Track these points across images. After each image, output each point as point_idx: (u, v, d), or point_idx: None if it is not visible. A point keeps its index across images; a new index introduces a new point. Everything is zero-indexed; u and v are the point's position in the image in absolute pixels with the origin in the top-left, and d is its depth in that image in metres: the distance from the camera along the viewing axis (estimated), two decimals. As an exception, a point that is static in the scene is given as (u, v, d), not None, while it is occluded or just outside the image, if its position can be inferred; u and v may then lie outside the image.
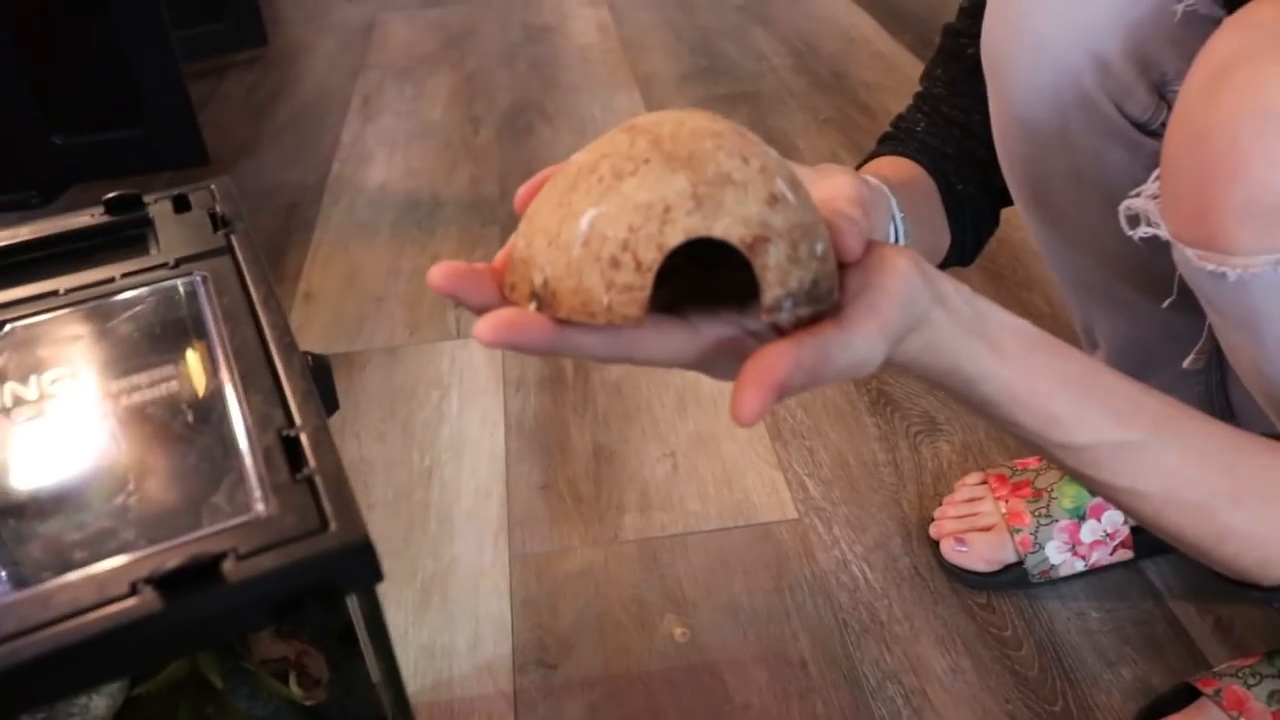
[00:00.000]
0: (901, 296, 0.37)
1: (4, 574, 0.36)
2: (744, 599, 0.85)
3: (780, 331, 0.35)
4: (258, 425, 0.38)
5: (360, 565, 0.34)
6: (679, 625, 0.83)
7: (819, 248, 0.35)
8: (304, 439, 0.37)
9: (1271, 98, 0.43)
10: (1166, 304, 0.62)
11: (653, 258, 0.32)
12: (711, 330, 0.37)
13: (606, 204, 0.33)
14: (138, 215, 0.53)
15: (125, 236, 0.53)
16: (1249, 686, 0.70)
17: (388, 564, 0.90)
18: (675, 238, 0.32)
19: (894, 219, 0.59)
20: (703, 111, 0.37)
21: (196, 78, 1.90)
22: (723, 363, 0.37)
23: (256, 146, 1.69)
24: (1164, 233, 0.51)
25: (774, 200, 0.33)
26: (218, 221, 0.52)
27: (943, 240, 0.67)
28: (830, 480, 0.96)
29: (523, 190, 0.38)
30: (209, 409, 0.40)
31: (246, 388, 0.41)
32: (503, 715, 0.77)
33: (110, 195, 0.53)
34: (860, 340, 0.35)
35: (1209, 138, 0.46)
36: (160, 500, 0.37)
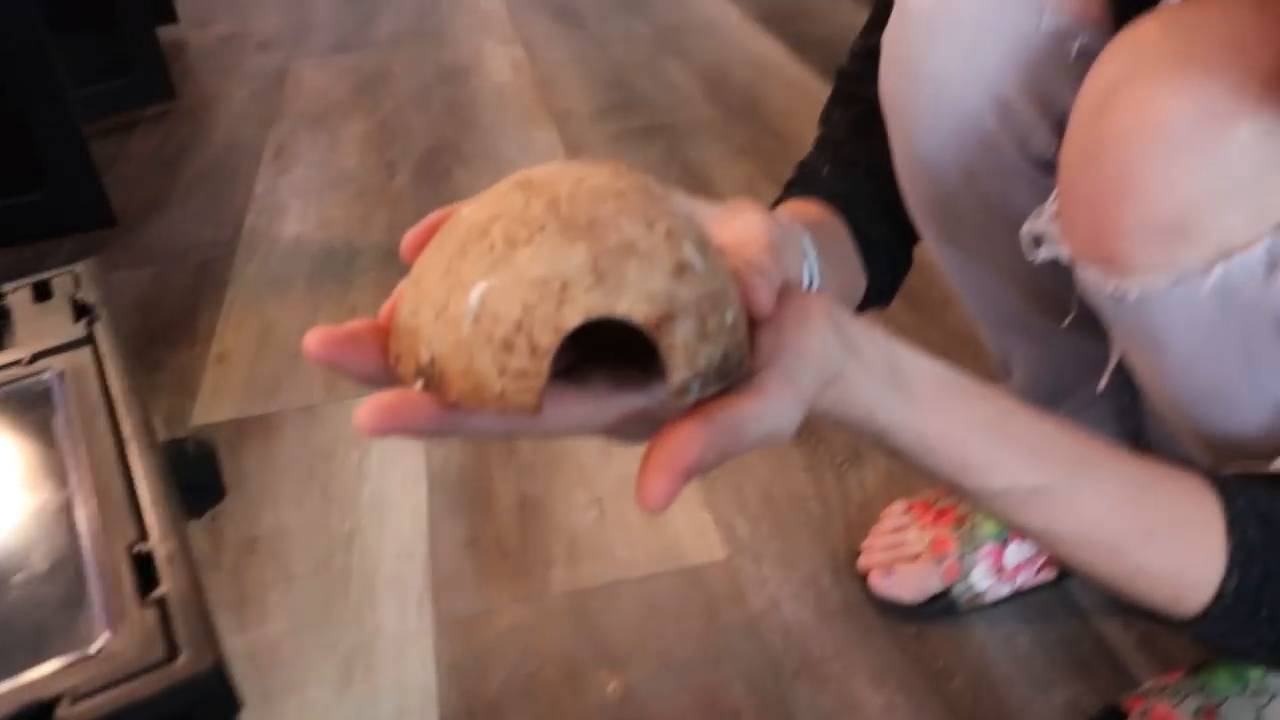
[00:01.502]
0: (815, 357, 0.36)
1: None
2: (676, 647, 0.83)
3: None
4: (106, 541, 0.35)
5: (214, 697, 0.31)
6: (611, 680, 0.81)
7: (729, 316, 0.33)
8: (157, 555, 0.35)
9: (1158, 115, 0.43)
10: (1067, 321, 0.62)
11: (549, 342, 0.29)
12: (617, 402, 0.34)
13: (498, 277, 0.30)
14: (-9, 309, 0.50)
15: (-24, 330, 0.49)
16: (1174, 705, 0.70)
17: (307, 640, 0.87)
18: (574, 319, 0.29)
19: (806, 257, 0.57)
20: (604, 164, 0.34)
21: (102, 135, 1.85)
22: (631, 430, 0.35)
23: (166, 204, 1.64)
24: (1063, 253, 0.50)
25: (681, 270, 0.31)
26: (80, 310, 0.49)
27: (859, 282, 0.66)
28: (758, 517, 0.95)
29: (410, 237, 0.36)
30: (55, 525, 0.37)
31: (99, 498, 0.38)
32: (432, 790, 0.74)
33: (-39, 289, 0.49)
34: (773, 411, 0.34)
35: (1101, 158, 0.46)
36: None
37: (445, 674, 0.82)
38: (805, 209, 0.67)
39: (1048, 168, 0.63)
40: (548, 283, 0.29)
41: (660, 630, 0.85)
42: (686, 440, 0.31)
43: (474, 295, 0.30)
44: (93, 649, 0.32)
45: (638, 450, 1.02)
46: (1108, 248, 0.47)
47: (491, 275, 0.30)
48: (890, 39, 0.64)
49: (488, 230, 0.31)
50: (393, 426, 0.30)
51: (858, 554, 0.88)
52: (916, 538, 0.86)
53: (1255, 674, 0.70)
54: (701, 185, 1.50)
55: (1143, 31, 0.46)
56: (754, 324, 0.35)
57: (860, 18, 0.73)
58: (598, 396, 0.34)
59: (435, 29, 2.35)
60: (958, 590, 0.83)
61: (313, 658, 0.85)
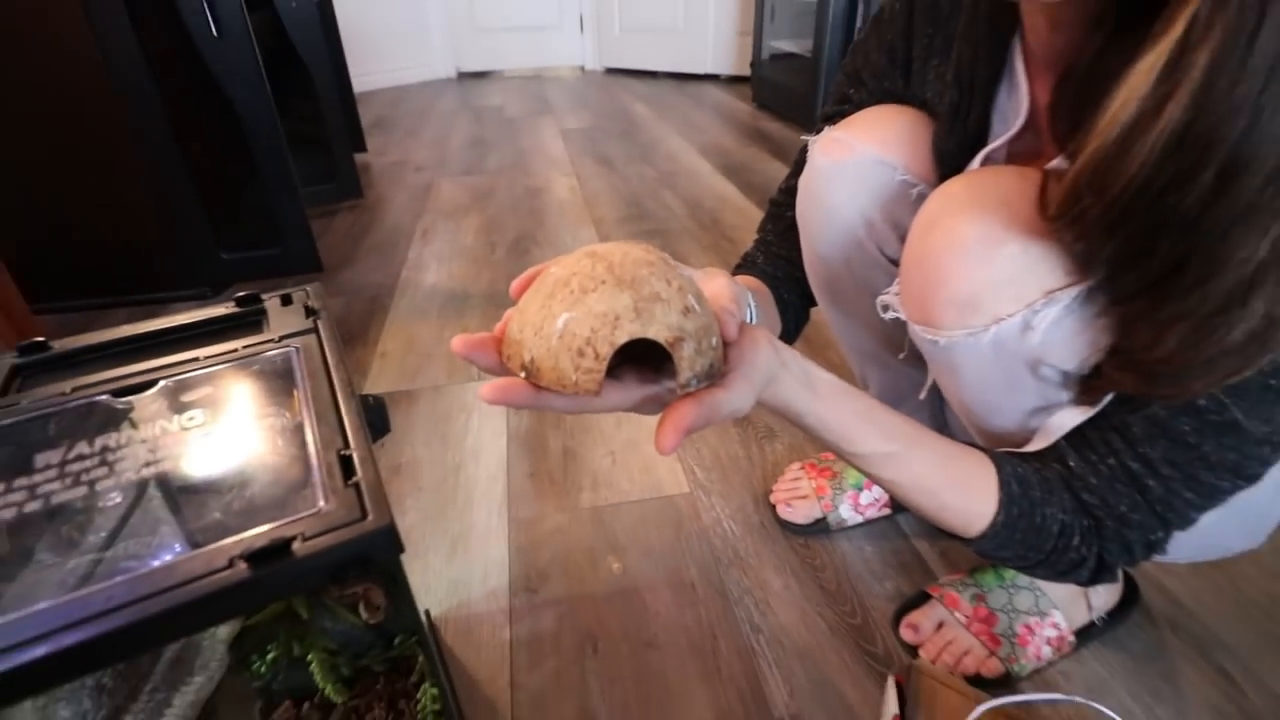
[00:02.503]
0: (761, 366, 0.37)
1: (147, 550, 0.32)
2: (656, 544, 0.83)
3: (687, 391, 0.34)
4: (324, 448, 0.36)
5: (387, 544, 0.31)
6: (616, 562, 0.80)
7: (714, 341, 0.34)
8: (355, 458, 0.35)
9: (958, 237, 0.44)
10: (901, 357, 0.62)
11: (606, 351, 0.30)
12: (641, 390, 0.36)
13: (576, 310, 0.31)
14: (256, 307, 0.50)
15: (248, 321, 0.49)
16: (958, 591, 0.70)
17: (429, 526, 0.86)
18: (622, 337, 0.30)
19: (749, 307, 0.58)
20: (641, 245, 0.35)
21: (317, 217, 1.84)
22: (648, 408, 0.37)
23: (354, 261, 1.63)
24: (902, 315, 0.51)
25: (687, 311, 0.32)
26: (309, 311, 0.49)
27: (776, 328, 0.67)
28: (710, 467, 0.95)
29: (516, 282, 0.37)
30: (295, 437, 0.37)
31: (319, 422, 0.38)
32: (502, 624, 0.73)
33: (238, 294, 0.50)
34: (737, 398, 0.35)
35: (925, 260, 0.46)
36: (256, 499, 0.34)
37: (514, 553, 0.82)
38: (747, 281, 0.67)
39: (895, 263, 0.64)
40: (606, 315, 0.30)
41: (647, 534, 0.84)
42: (685, 412, 0.32)
43: (560, 321, 0.31)
44: (315, 510, 0.32)
45: (640, 420, 1.00)
46: (927, 314, 0.47)
47: (572, 309, 0.31)
48: (803, 182, 0.65)
49: (569, 282, 0.32)
50: (504, 400, 0.32)
51: (769, 493, 0.88)
52: (807, 485, 0.86)
53: (1010, 574, 0.69)
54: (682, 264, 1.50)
55: (952, 186, 0.47)
56: (725, 345, 0.36)
57: (782, 173, 0.74)
58: (629, 387, 0.35)
59: (523, 164, 2.36)
60: (831, 518, 0.82)
61: (432, 539, 0.84)
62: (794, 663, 0.69)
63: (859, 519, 0.83)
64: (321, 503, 0.32)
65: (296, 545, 0.30)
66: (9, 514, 0.32)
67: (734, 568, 0.79)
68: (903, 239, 0.62)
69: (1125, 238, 0.36)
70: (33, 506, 0.33)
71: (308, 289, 0.51)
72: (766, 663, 0.69)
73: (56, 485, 0.34)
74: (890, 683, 0.62)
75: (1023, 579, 0.69)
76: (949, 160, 0.56)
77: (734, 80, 3.49)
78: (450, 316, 1.37)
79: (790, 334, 0.70)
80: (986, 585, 0.69)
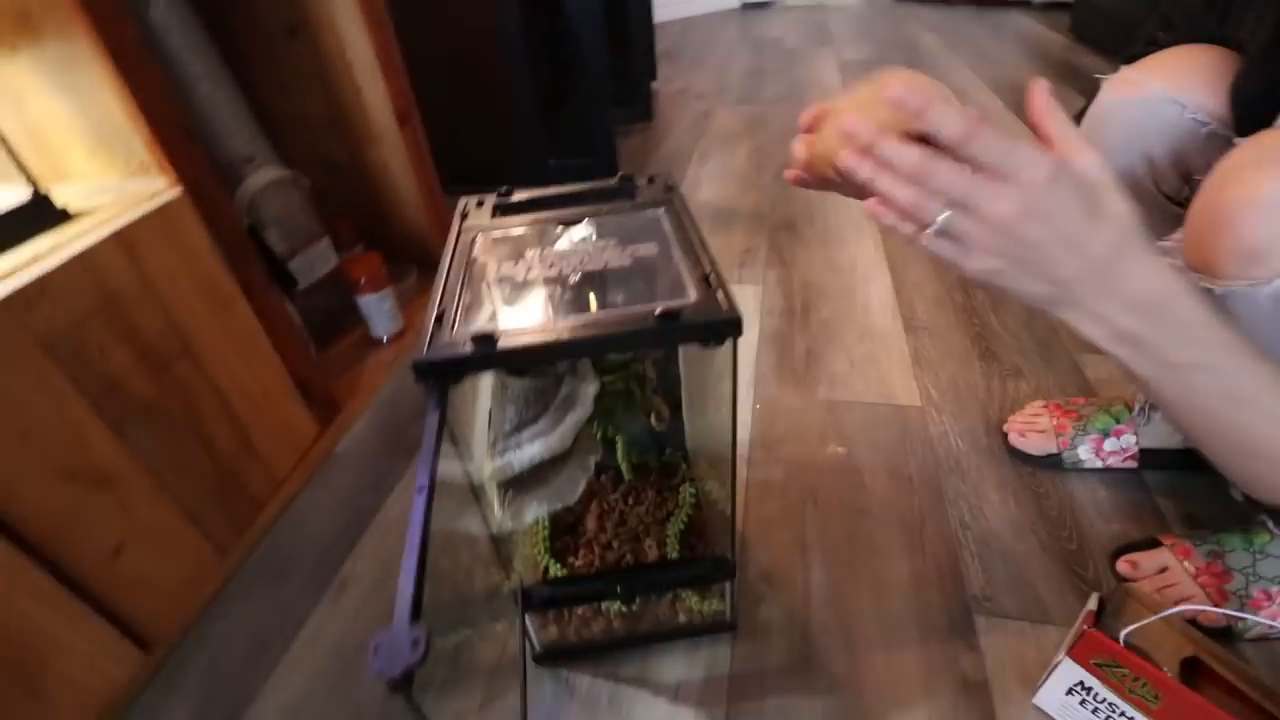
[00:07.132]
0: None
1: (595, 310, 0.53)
2: (881, 440, 0.91)
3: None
4: (692, 268, 0.53)
5: (734, 328, 0.48)
6: (841, 446, 0.91)
7: None
8: (711, 275, 0.52)
9: (1257, 191, 0.45)
10: None
11: None
12: None
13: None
14: (631, 184, 0.69)
15: (626, 192, 0.69)
16: (1194, 544, 0.69)
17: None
18: None
19: None
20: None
21: (620, 136, 2.12)
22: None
23: (641, 172, 1.86)
24: (1178, 264, 0.52)
25: None
26: (667, 188, 0.67)
27: None
28: (946, 389, 0.99)
29: (805, 116, 0.47)
30: (668, 262, 0.56)
31: (685, 255, 0.55)
32: (740, 466, 0.88)
33: (620, 175, 0.70)
34: (1085, 162, 0.40)
35: (1217, 207, 0.48)
36: (654, 287, 0.53)
37: (756, 417, 0.97)
38: None
39: (1173, 201, 0.63)
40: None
41: (873, 430, 0.93)
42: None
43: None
44: (690, 300, 0.50)
45: (880, 337, 1.07)
46: (1207, 260, 0.49)
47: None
48: (1086, 120, 0.66)
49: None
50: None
51: (1003, 423, 0.91)
52: (1046, 422, 0.87)
53: (1261, 539, 0.67)
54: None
55: (1263, 138, 0.47)
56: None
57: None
58: None
59: (797, 95, 2.39)
60: (1067, 456, 0.84)
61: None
62: (997, 561, 0.75)
63: (1098, 464, 0.83)
64: (692, 294, 0.50)
65: (685, 312, 0.47)
66: (534, 275, 0.55)
67: (953, 475, 0.85)
68: (1184, 177, 0.61)
69: None
70: (532, 274, 0.56)
71: (664, 175, 0.70)
72: (970, 554, 0.77)
73: (539, 270, 0.57)
74: (1093, 598, 0.62)
75: (1277, 547, 0.66)
76: (1251, 106, 0.54)
77: (1049, 7, 3.02)
78: (717, 229, 1.53)
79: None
80: (1230, 545, 0.67)
